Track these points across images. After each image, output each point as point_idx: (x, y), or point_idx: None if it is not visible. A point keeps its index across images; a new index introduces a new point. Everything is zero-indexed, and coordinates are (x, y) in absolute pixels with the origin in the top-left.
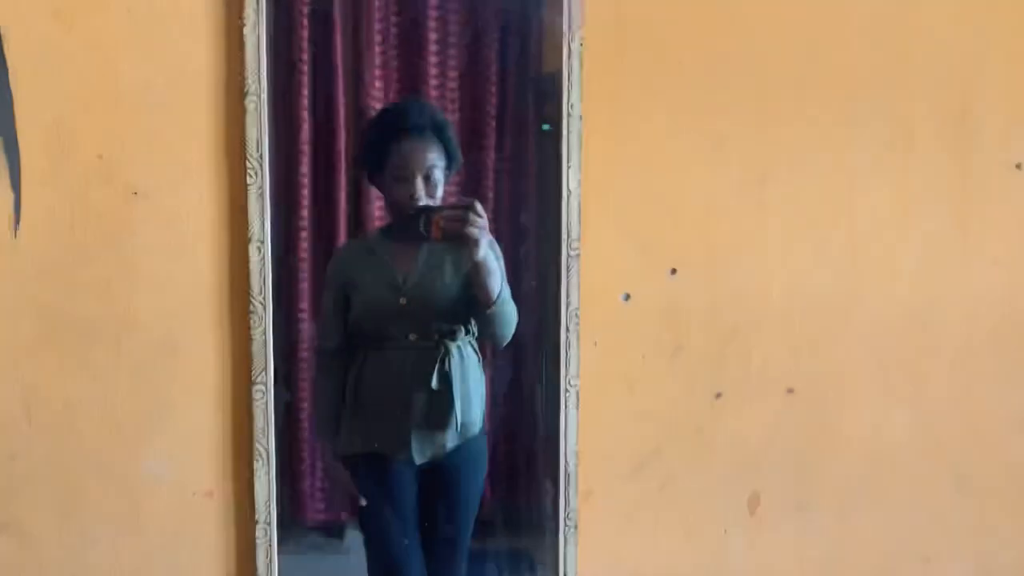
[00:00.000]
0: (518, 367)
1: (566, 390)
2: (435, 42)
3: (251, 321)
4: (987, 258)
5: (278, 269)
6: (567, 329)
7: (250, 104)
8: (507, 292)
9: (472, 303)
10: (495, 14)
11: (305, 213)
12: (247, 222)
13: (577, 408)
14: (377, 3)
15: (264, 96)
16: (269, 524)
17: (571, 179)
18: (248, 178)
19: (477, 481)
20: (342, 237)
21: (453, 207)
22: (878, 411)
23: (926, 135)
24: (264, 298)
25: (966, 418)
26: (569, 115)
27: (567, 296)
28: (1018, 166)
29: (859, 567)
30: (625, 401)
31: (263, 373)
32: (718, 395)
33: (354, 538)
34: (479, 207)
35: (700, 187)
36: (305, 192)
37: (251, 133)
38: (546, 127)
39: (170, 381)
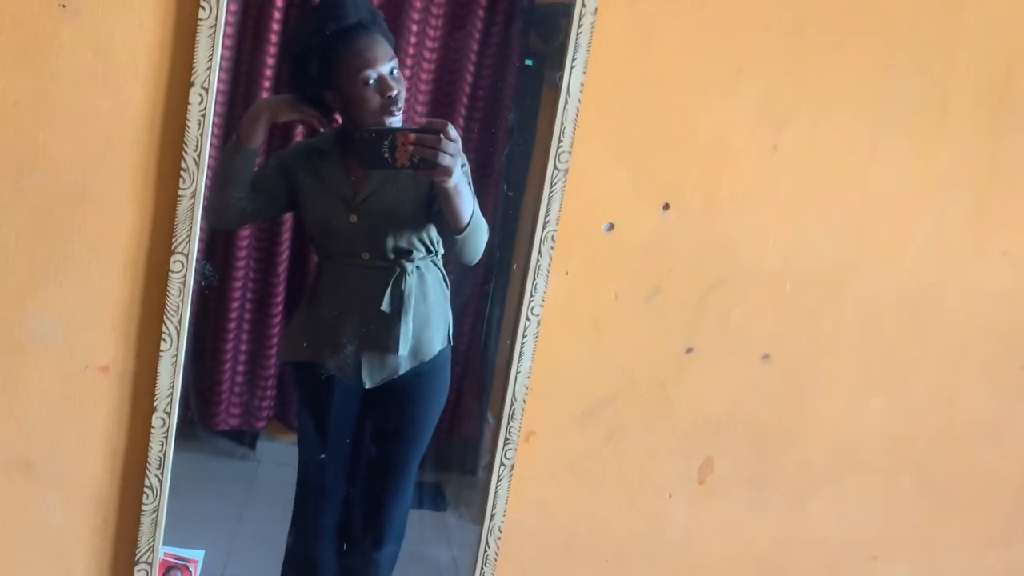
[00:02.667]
0: (478, 283)
1: (527, 318)
2: None
3: (181, 179)
4: (997, 250)
5: (227, 123)
6: (539, 252)
7: None
8: (479, 212)
9: (438, 223)
10: None
11: (271, 60)
12: (192, 61)
13: (535, 340)
14: None
15: None
16: (168, 414)
17: (573, 81)
18: (200, 11)
19: (432, 404)
20: None
21: (422, 130)
22: (853, 395)
23: (962, 106)
24: (200, 155)
25: (941, 418)
26: (584, 5)
27: (546, 215)
28: None
29: (803, 555)
30: (588, 340)
31: (186, 242)
32: (689, 350)
33: (265, 449)
34: (452, 131)
35: (712, 118)
36: (274, 26)
37: None
38: (529, 62)
39: (74, 231)
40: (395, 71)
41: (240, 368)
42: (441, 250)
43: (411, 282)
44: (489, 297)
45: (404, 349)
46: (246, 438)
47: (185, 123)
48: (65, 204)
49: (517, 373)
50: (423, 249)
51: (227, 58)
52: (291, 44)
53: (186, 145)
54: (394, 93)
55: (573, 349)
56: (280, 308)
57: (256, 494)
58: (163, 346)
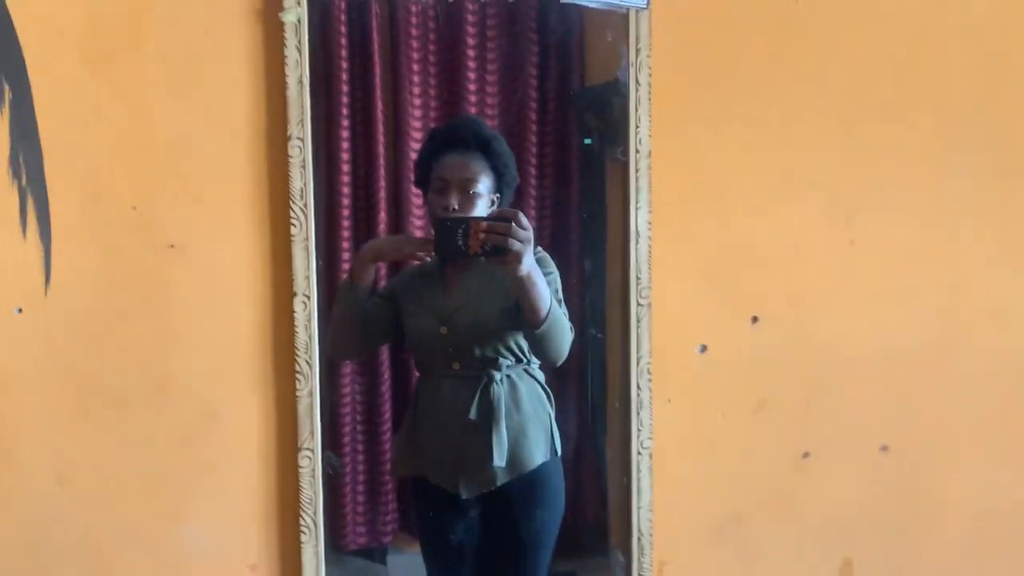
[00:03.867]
0: (584, 427)
1: (638, 453)
2: (473, 69)
3: (297, 381)
4: None
5: (323, 324)
6: (638, 386)
7: (293, 150)
8: (558, 309)
9: (520, 323)
10: (532, 28)
11: (346, 256)
12: (291, 275)
13: (650, 472)
14: (415, 40)
15: (308, 141)
16: None
17: (640, 221)
18: (292, 228)
19: (542, 518)
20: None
21: (494, 218)
22: (984, 472)
23: None
24: (311, 356)
25: None
26: (637, 151)
27: (637, 350)
28: None
29: None
30: (703, 463)
31: (310, 438)
32: (805, 455)
33: (396, 562)
34: (523, 219)
35: (781, 226)
36: (346, 242)
37: (295, 181)
38: (588, 141)
39: (210, 446)
40: (472, 190)
41: (360, 488)
42: (534, 359)
43: (500, 391)
44: (598, 437)
45: (499, 459)
46: (376, 555)
47: (293, 329)
48: (199, 422)
49: (639, 508)
50: (511, 358)
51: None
52: (420, 148)
53: (297, 350)
54: (448, 205)
55: (690, 474)
56: (388, 426)
57: None
58: (303, 539)
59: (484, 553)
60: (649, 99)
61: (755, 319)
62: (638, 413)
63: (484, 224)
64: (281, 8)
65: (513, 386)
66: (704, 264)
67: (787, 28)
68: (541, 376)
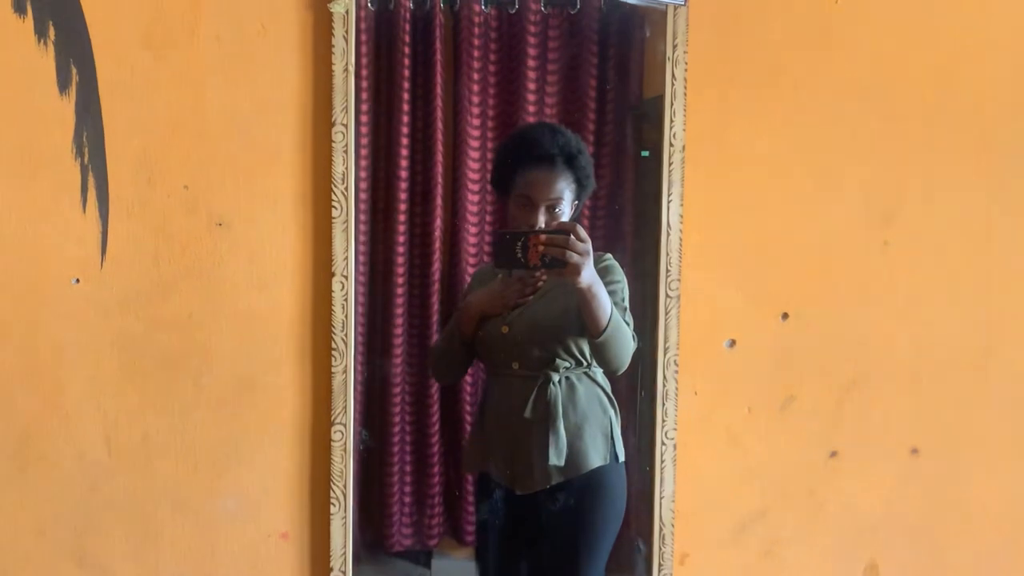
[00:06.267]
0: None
1: (663, 443)
2: (533, 68)
3: (333, 358)
4: None
5: (371, 304)
6: (665, 377)
7: (337, 135)
8: (619, 318)
9: (582, 331)
10: (593, 39)
11: (401, 249)
12: (331, 255)
13: (674, 463)
14: (477, 49)
15: (352, 127)
16: (344, 572)
17: (672, 213)
18: (333, 210)
19: (596, 521)
20: (437, 272)
21: (553, 231)
22: (1017, 480)
23: None
24: (346, 334)
25: None
26: (671, 145)
27: (665, 341)
28: None
29: None
30: (728, 457)
31: (343, 413)
32: (833, 454)
33: (440, 567)
34: (581, 231)
35: (816, 224)
36: (402, 227)
37: (337, 165)
38: (645, 153)
39: (248, 418)
40: (557, 208)
41: (407, 489)
42: (596, 363)
43: (557, 392)
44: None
45: (556, 459)
46: (421, 557)
47: (331, 308)
48: (237, 394)
49: (661, 498)
50: (571, 361)
51: (364, 243)
52: (497, 152)
53: (334, 328)
54: (535, 225)
55: (714, 467)
56: (436, 428)
57: None
58: (332, 510)
59: (537, 552)
60: (685, 94)
61: (785, 316)
62: (664, 403)
63: (543, 237)
64: None
65: (571, 388)
66: (735, 259)
67: (827, 27)
68: (604, 381)
